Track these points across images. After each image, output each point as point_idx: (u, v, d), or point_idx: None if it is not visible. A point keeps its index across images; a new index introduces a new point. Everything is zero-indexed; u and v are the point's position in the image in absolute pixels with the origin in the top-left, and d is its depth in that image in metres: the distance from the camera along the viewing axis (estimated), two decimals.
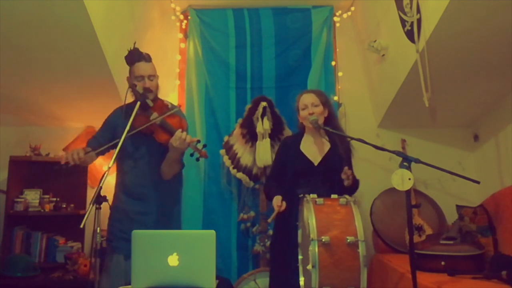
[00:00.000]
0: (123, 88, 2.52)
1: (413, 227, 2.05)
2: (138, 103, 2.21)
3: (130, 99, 2.35)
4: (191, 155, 2.21)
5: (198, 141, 2.22)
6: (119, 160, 2.33)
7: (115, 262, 2.24)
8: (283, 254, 2.37)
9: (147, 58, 2.37)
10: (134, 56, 2.35)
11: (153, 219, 2.29)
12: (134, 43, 2.40)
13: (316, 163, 2.43)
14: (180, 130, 2.20)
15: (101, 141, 2.36)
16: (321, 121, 2.41)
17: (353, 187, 2.37)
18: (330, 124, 2.44)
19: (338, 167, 2.32)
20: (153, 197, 2.32)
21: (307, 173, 2.42)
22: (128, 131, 2.09)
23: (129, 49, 2.38)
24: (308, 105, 2.44)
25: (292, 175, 2.44)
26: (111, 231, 2.31)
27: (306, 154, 2.46)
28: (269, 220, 2.33)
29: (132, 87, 2.32)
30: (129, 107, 2.29)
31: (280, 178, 2.50)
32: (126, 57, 2.38)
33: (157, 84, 2.41)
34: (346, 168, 2.28)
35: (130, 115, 2.18)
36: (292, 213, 2.27)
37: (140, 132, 2.22)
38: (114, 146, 2.15)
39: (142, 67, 2.34)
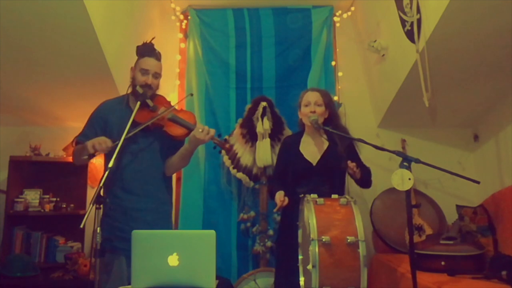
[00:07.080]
0: (123, 88, 2.51)
1: (413, 227, 2.05)
2: (138, 103, 2.20)
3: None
4: (214, 147, 2.26)
5: (220, 135, 2.25)
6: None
7: (117, 266, 2.13)
8: (287, 253, 2.37)
9: (158, 56, 2.36)
10: (146, 50, 2.33)
11: (152, 216, 2.24)
12: (153, 38, 2.40)
13: (314, 163, 2.44)
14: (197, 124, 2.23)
15: (91, 137, 2.24)
16: (320, 121, 2.42)
17: (366, 177, 2.37)
18: (331, 124, 2.44)
19: (337, 166, 2.32)
20: (152, 194, 2.27)
21: (306, 173, 2.43)
22: (133, 128, 2.10)
23: (144, 42, 2.36)
24: (311, 102, 2.44)
25: (292, 175, 2.45)
26: (109, 230, 2.12)
27: (304, 155, 2.47)
28: (275, 209, 2.37)
29: (132, 79, 2.31)
30: (122, 100, 2.30)
31: (283, 178, 2.51)
32: (138, 47, 2.36)
33: (159, 84, 2.38)
34: (348, 162, 2.27)
35: (128, 107, 2.18)
36: (294, 213, 2.28)
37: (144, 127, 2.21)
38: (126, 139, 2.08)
39: (150, 62, 2.31)
